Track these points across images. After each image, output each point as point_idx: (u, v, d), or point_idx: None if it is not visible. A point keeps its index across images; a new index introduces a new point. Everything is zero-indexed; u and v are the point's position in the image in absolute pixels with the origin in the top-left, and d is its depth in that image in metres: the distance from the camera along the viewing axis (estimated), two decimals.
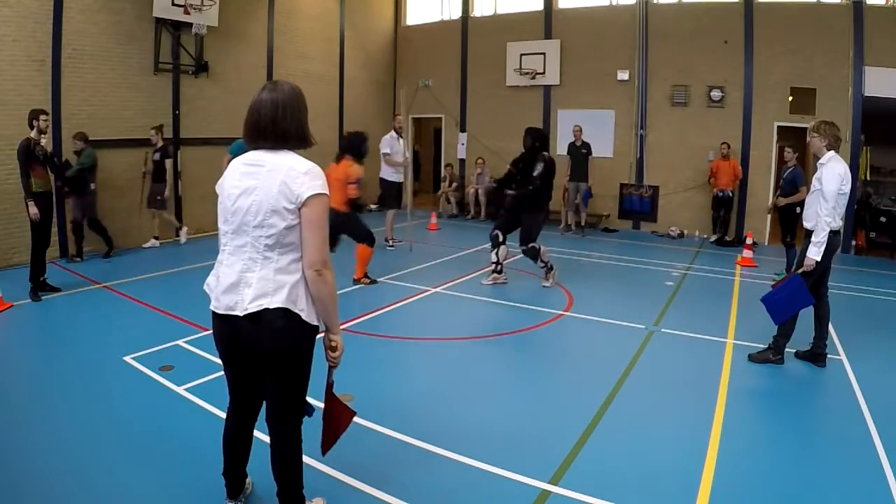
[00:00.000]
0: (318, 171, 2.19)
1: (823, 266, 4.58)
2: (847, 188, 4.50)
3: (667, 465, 3.18)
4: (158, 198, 8.56)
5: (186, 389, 3.91)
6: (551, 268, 7.06)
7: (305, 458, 3.08)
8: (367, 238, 6.63)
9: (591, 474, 3.04)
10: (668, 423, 3.72)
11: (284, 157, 2.19)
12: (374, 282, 6.90)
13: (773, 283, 5.42)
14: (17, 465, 2.99)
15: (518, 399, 4.04)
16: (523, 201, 6.81)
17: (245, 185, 2.18)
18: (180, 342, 4.78)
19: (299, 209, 2.13)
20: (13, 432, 3.34)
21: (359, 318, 5.57)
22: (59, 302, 5.94)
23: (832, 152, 4.55)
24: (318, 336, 2.32)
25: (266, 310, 2.14)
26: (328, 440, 2.55)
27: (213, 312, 2.28)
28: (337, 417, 2.54)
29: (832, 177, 4.40)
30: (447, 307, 6.26)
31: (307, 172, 2.15)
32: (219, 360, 4.53)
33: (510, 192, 6.92)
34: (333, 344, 2.32)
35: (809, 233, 4.57)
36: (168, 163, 8.54)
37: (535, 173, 6.64)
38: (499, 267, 7.03)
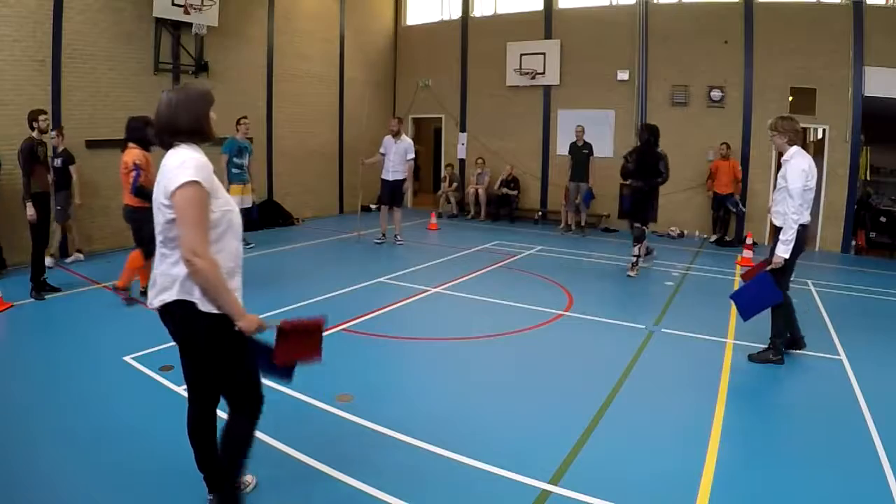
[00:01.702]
0: (193, 162, 2.18)
1: (791, 261, 4.61)
2: (812, 183, 4.51)
3: (667, 465, 3.18)
4: (59, 208, 7.13)
5: (186, 389, 3.91)
6: (637, 261, 7.74)
7: (304, 457, 3.10)
8: (144, 244, 5.60)
9: (591, 474, 3.03)
10: (668, 423, 3.71)
11: (173, 154, 2.25)
12: (132, 301, 5.82)
13: (741, 274, 5.57)
14: (18, 465, 2.99)
15: (518, 399, 4.03)
16: (648, 191, 7.53)
17: (155, 191, 2.28)
18: None
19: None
20: (13, 432, 3.34)
21: (359, 317, 5.57)
22: (58, 302, 5.94)
23: (795, 147, 4.55)
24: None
25: (166, 304, 2.27)
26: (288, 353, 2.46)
27: None
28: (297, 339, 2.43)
29: (796, 174, 4.41)
30: (447, 307, 6.26)
31: (179, 165, 2.17)
32: None
33: (637, 183, 7.58)
34: (238, 329, 2.23)
35: (778, 229, 4.60)
36: (72, 168, 7.41)
37: (661, 167, 7.37)
38: (640, 259, 7.84)
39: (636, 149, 7.63)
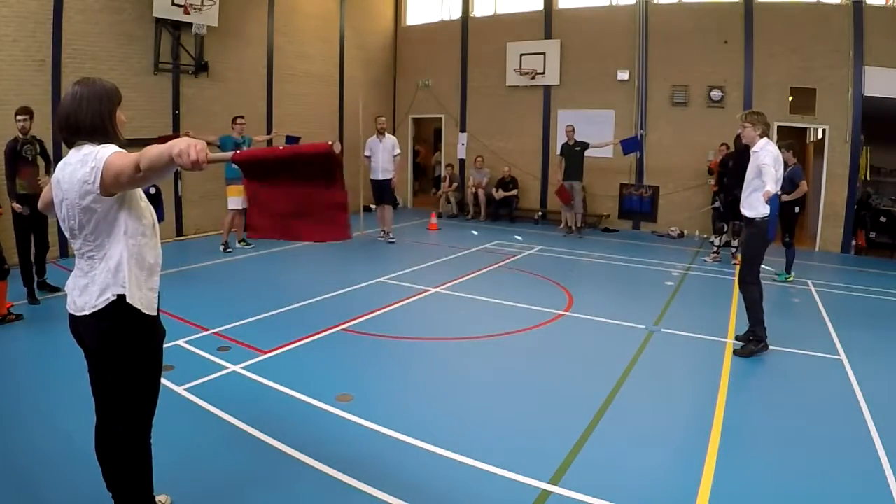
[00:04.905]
0: (107, 149, 2.07)
1: (761, 251, 4.89)
2: (780, 174, 4.73)
3: (667, 466, 3.18)
4: None
5: (186, 389, 3.91)
6: (737, 251, 8.34)
7: (304, 457, 3.10)
8: None
9: (591, 474, 3.03)
10: (668, 423, 3.72)
11: (81, 152, 2.12)
12: (18, 317, 5.39)
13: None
14: (18, 463, 2.99)
15: (518, 399, 4.03)
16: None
17: (61, 194, 2.16)
18: (180, 342, 4.77)
19: (101, 195, 2.07)
20: (14, 432, 3.34)
21: (359, 317, 5.57)
22: (59, 302, 5.93)
23: (765, 139, 4.79)
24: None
25: (111, 303, 2.16)
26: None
27: (69, 314, 2.29)
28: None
29: (769, 158, 4.63)
30: (447, 307, 6.26)
31: (94, 159, 2.05)
32: (219, 361, 4.54)
33: (737, 190, 8.42)
34: (176, 152, 1.85)
35: (749, 220, 4.84)
36: None
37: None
38: (719, 249, 8.92)
39: (734, 159, 8.25)
